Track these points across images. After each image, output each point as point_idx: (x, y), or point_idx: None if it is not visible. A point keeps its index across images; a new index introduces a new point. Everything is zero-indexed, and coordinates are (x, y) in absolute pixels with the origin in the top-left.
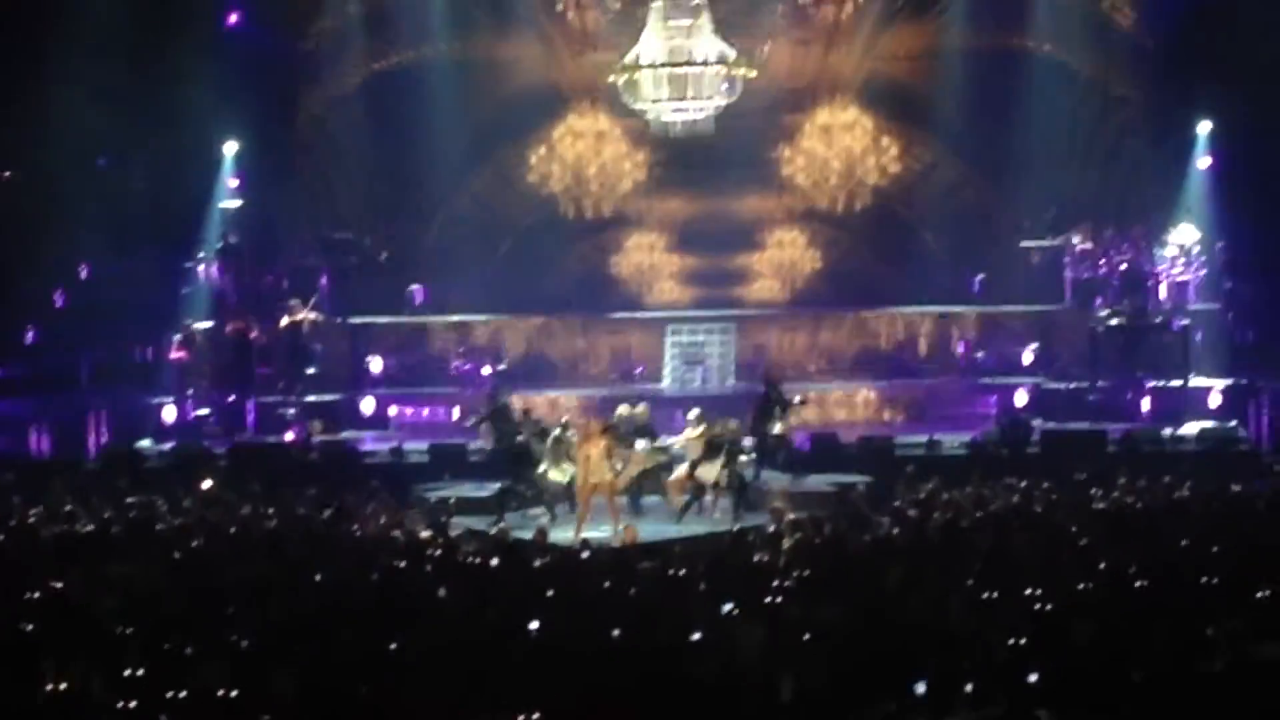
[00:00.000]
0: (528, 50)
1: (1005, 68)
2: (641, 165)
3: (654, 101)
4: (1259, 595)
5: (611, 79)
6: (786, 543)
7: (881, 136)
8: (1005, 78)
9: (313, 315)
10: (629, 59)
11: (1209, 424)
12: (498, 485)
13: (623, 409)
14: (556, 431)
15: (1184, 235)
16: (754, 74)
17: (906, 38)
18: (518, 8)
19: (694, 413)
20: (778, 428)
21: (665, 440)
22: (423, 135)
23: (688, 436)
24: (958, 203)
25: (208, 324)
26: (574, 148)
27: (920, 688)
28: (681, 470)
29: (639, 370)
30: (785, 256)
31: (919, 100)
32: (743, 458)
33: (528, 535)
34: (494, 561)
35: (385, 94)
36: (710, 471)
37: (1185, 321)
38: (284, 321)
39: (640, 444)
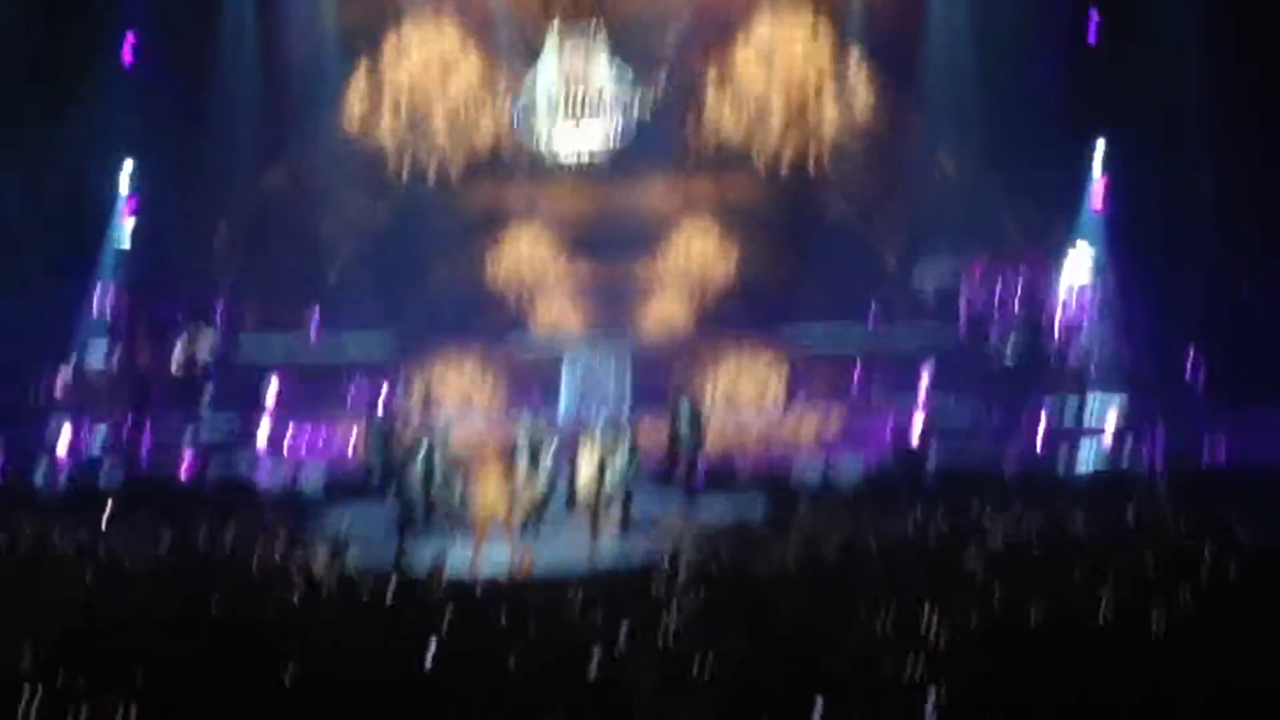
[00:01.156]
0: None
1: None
2: (559, 260)
3: (551, 122)
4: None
5: (507, 103)
6: (682, 573)
7: (725, 244)
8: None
9: (206, 343)
10: (526, 81)
11: (1103, 452)
12: (393, 512)
13: (519, 427)
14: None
15: (1079, 262)
16: (652, 93)
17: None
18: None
19: (596, 428)
20: (689, 447)
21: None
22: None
23: (587, 453)
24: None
25: (101, 353)
26: (516, 251)
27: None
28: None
29: (533, 400)
30: (672, 304)
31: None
32: (630, 481)
33: (424, 560)
34: (389, 595)
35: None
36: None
37: (1080, 349)
38: (179, 349)
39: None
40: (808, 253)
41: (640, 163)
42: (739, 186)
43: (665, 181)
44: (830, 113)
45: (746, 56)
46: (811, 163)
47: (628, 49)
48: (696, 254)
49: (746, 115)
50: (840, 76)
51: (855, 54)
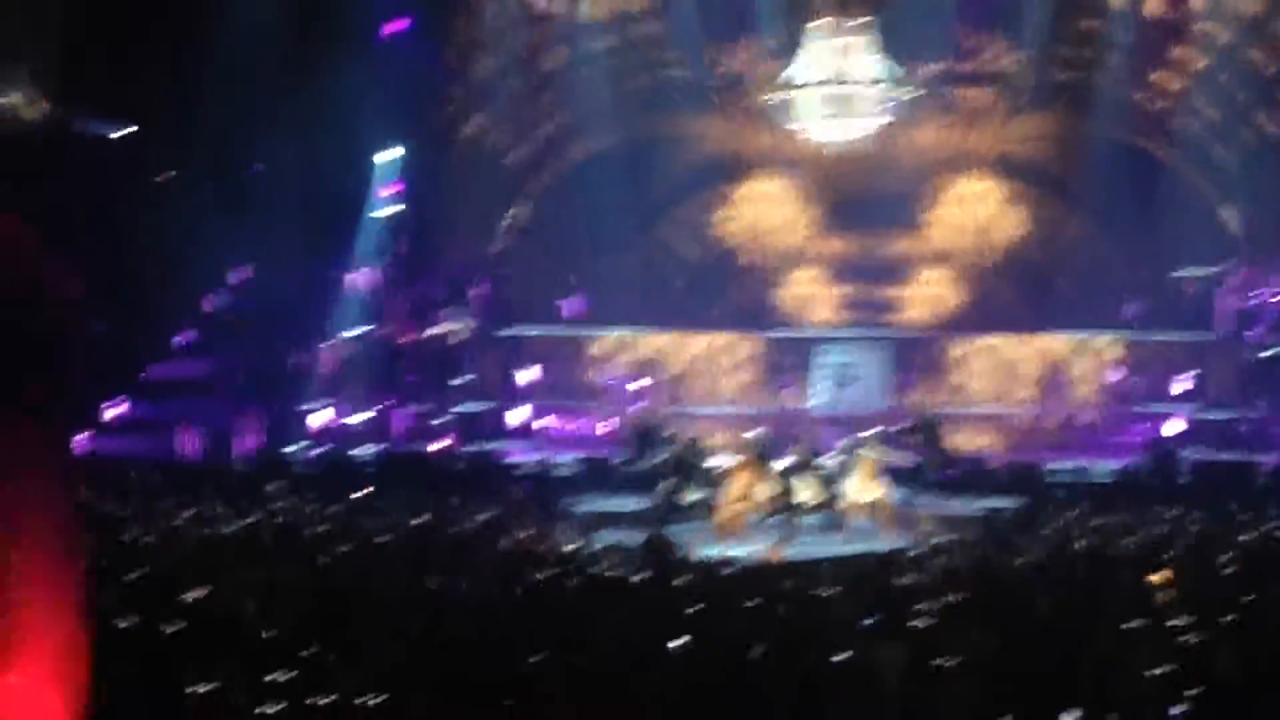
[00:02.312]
0: (708, 124)
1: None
2: (810, 221)
3: (811, 120)
4: None
5: (766, 98)
6: (933, 565)
7: (1012, 205)
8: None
9: (464, 325)
10: (782, 78)
11: None
12: (645, 501)
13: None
14: (691, 450)
15: None
16: (921, 91)
17: (1035, 123)
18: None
19: (844, 439)
20: (938, 452)
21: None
22: (603, 188)
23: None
24: (1094, 251)
25: (360, 332)
26: (754, 207)
27: (1068, 718)
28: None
29: (784, 388)
30: (933, 289)
31: (1047, 175)
32: (883, 479)
33: (675, 552)
34: (636, 578)
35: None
36: (856, 492)
37: None
38: (435, 331)
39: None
40: (1058, 267)
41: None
42: (1023, 133)
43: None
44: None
45: None
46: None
47: (896, 45)
48: (970, 222)
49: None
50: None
51: None
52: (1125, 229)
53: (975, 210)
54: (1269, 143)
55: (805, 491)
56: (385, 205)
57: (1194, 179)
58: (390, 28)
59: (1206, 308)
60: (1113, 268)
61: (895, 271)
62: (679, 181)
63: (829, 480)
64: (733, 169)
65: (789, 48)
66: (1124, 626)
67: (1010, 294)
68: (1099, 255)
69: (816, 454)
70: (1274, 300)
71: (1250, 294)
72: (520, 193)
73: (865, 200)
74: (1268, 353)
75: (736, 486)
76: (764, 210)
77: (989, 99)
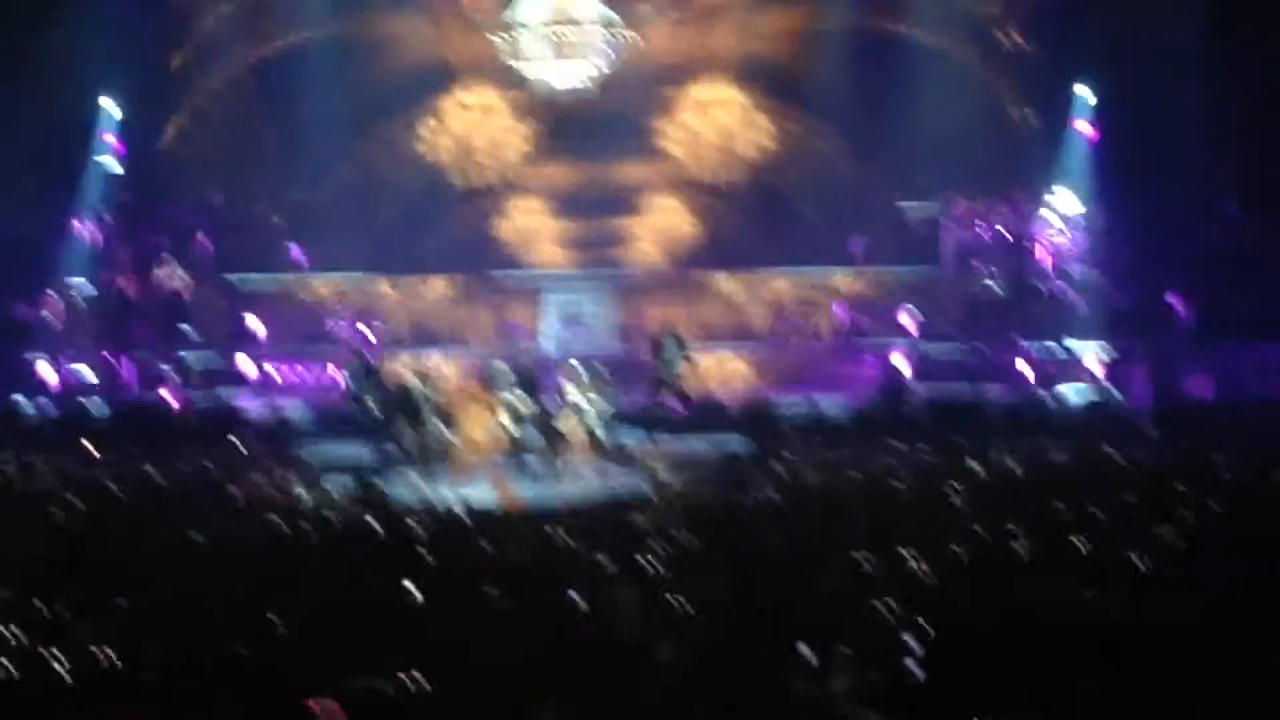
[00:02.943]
0: (414, 26)
1: (879, 48)
2: (527, 137)
3: (535, 61)
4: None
5: (492, 38)
6: (664, 505)
7: (756, 113)
8: (879, 56)
9: (188, 273)
10: (507, 16)
11: (1087, 388)
12: (372, 446)
13: (499, 364)
14: (421, 387)
15: (1063, 201)
16: (634, 35)
17: (779, 19)
18: None
19: (575, 361)
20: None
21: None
22: (309, 107)
23: (569, 390)
24: (833, 173)
25: (85, 281)
26: (462, 119)
27: (804, 650)
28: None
29: (516, 329)
30: (664, 221)
31: (792, 79)
32: (611, 415)
33: (406, 496)
34: (372, 523)
35: (272, 70)
36: (578, 430)
37: (1063, 285)
38: (160, 277)
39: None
40: (796, 192)
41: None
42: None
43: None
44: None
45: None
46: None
47: None
48: (673, 217)
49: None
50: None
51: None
52: (864, 141)
53: (712, 126)
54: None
55: (534, 431)
56: (107, 153)
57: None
58: None
59: (933, 241)
60: (846, 197)
61: (624, 202)
62: (383, 91)
63: (556, 419)
64: (441, 78)
65: None
66: (855, 559)
67: (744, 226)
68: (835, 180)
69: (543, 393)
70: (995, 233)
71: (974, 226)
72: (214, 109)
73: (590, 119)
74: (991, 284)
75: (464, 428)
76: (476, 127)
77: None
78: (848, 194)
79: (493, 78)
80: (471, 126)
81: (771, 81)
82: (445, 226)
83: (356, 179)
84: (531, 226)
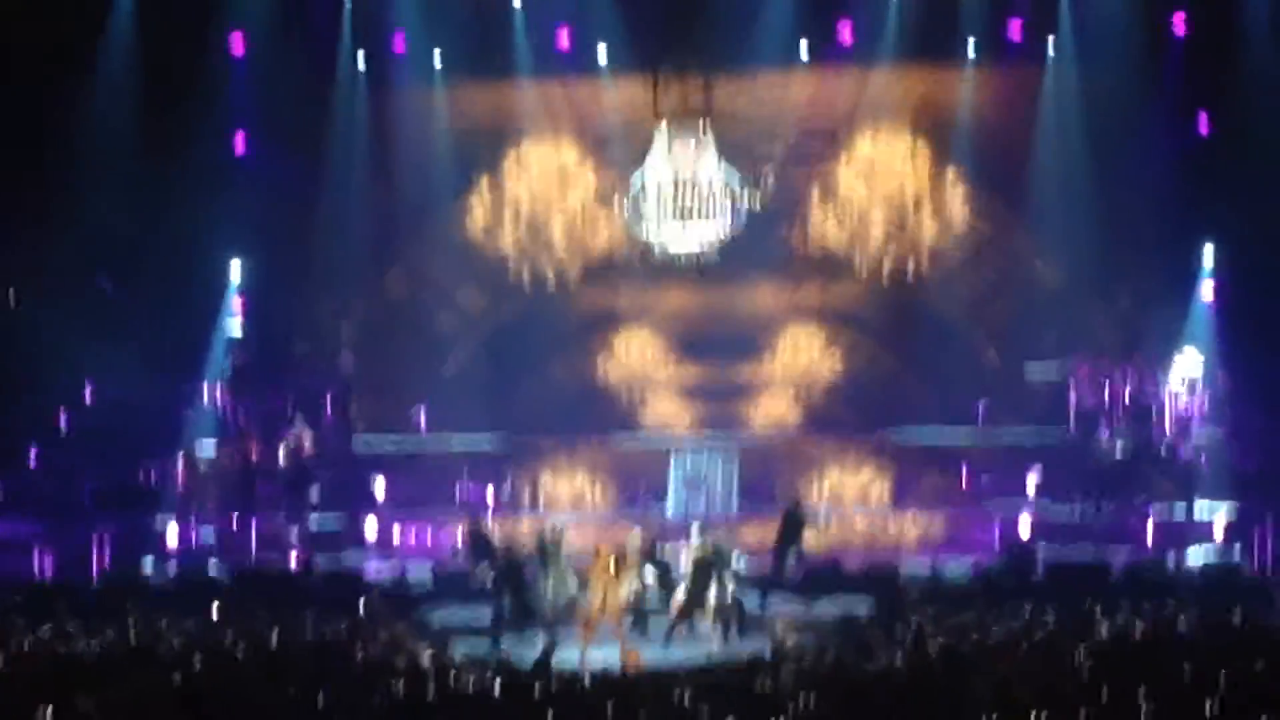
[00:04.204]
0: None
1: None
2: (669, 361)
3: (657, 224)
4: None
5: (615, 204)
6: (789, 670)
7: (832, 347)
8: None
9: (313, 437)
10: (634, 179)
11: (1213, 551)
12: (496, 608)
13: (633, 536)
14: (550, 548)
15: (1188, 363)
16: (759, 202)
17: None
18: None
19: (695, 526)
20: (797, 550)
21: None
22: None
23: (688, 554)
24: (954, 334)
25: (211, 446)
26: (628, 354)
27: None
28: (679, 592)
29: (641, 496)
30: (777, 405)
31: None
32: (734, 580)
33: (529, 659)
34: (495, 689)
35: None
36: (701, 594)
37: (1189, 449)
38: (286, 439)
39: (647, 570)
40: (914, 355)
41: (746, 265)
42: (843, 292)
43: (771, 286)
44: (929, 227)
45: (848, 170)
46: (912, 270)
47: (735, 149)
48: (803, 356)
49: (850, 224)
50: (938, 192)
51: (953, 172)
52: (985, 304)
53: (802, 353)
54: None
55: (661, 595)
56: (233, 319)
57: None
58: (238, 143)
59: (1056, 405)
60: (968, 356)
61: (740, 391)
62: (556, 332)
63: (682, 584)
64: (602, 321)
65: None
66: None
67: (851, 408)
68: (957, 340)
69: (668, 560)
70: (1120, 396)
71: (1099, 387)
72: (366, 305)
73: (713, 337)
74: (1117, 448)
75: (588, 591)
76: (632, 352)
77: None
78: (969, 355)
79: (648, 318)
80: (634, 355)
81: (849, 320)
82: (587, 414)
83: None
84: (665, 410)
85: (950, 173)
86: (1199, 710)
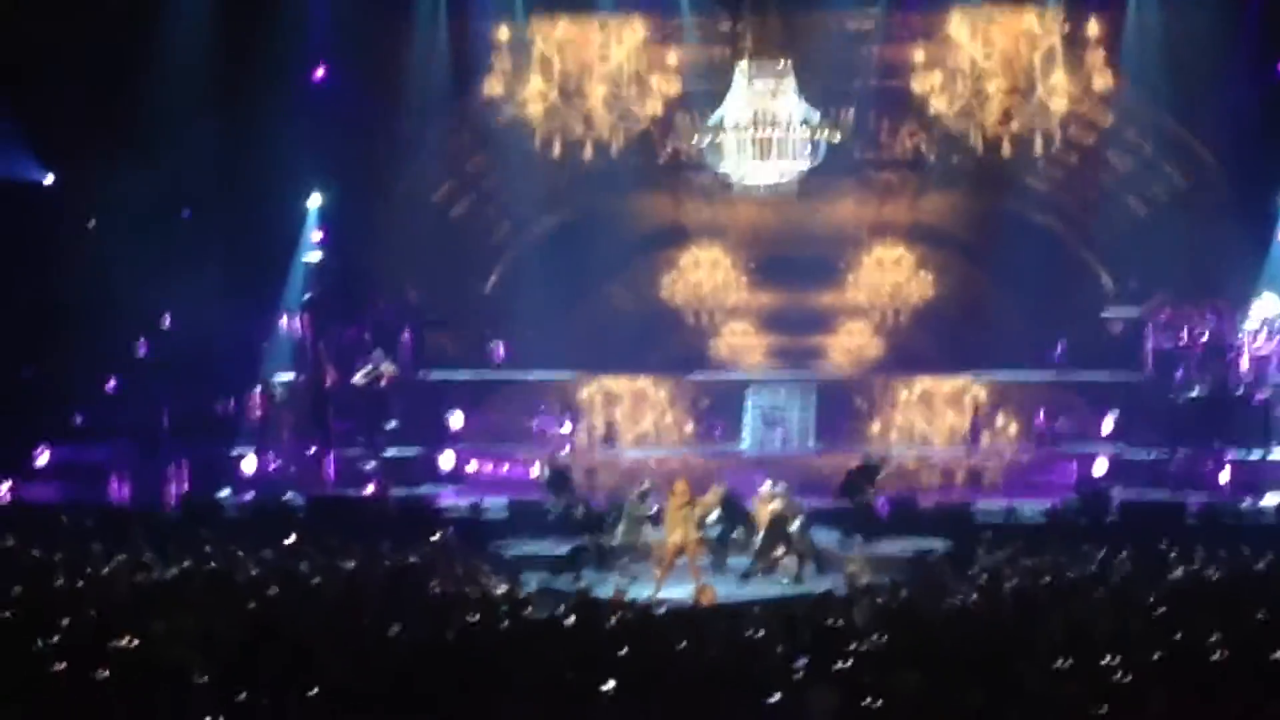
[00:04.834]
0: (656, 200)
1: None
2: (742, 285)
3: (738, 161)
4: None
5: (695, 140)
6: (862, 607)
7: (920, 269)
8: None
9: (393, 369)
10: (713, 121)
11: None
12: (573, 544)
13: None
14: (633, 498)
15: (1267, 307)
16: (838, 137)
17: (942, 199)
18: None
19: (766, 486)
20: (871, 492)
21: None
22: (544, 261)
23: (761, 506)
24: (1034, 278)
25: (289, 376)
26: (696, 273)
27: None
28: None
29: (718, 431)
30: (855, 339)
31: (955, 241)
32: (808, 524)
33: (605, 594)
34: (569, 621)
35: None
36: (776, 544)
37: (1266, 394)
38: (364, 375)
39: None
40: (1001, 287)
41: (829, 188)
42: (933, 207)
43: (855, 201)
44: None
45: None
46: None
47: (815, 88)
48: (889, 279)
49: (963, 98)
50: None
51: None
52: (1026, 290)
53: (891, 270)
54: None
55: (736, 533)
56: (312, 250)
57: (1080, 247)
58: (317, 74)
59: (1135, 346)
60: (1049, 300)
61: (819, 322)
62: (619, 249)
63: (757, 522)
64: (672, 237)
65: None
66: (1054, 666)
67: (932, 341)
68: (1037, 283)
69: (745, 496)
70: (1202, 339)
71: (1179, 333)
72: (447, 240)
73: (791, 260)
74: (1194, 392)
75: (667, 528)
76: (701, 273)
77: (898, 180)
78: (1050, 299)
79: (720, 237)
80: (702, 276)
81: (940, 241)
82: (664, 343)
83: (589, 309)
84: (741, 343)
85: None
86: (1271, 654)
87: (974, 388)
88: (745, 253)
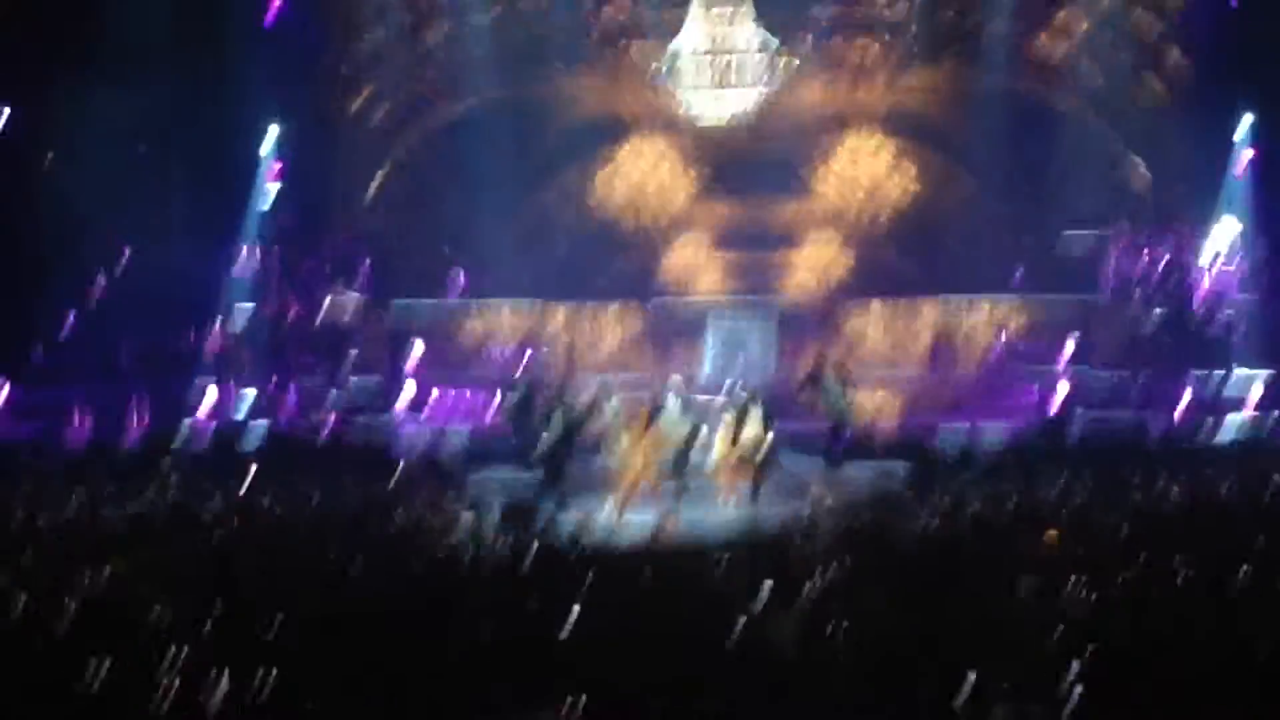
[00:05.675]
0: (589, 85)
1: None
2: (693, 181)
3: (696, 89)
4: None
5: (654, 66)
6: (825, 533)
7: (903, 160)
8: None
9: (349, 301)
10: (671, 47)
11: (1249, 420)
12: (536, 471)
13: (666, 389)
14: (584, 414)
15: (1226, 229)
16: (796, 62)
17: (925, 75)
18: (577, 48)
19: (727, 384)
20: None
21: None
22: (481, 159)
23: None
24: (991, 204)
25: (246, 310)
26: (637, 167)
27: (964, 680)
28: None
29: (672, 356)
30: (820, 255)
31: (941, 129)
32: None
33: (569, 522)
34: (531, 553)
35: (445, 122)
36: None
37: (1227, 314)
38: (326, 303)
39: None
40: (951, 224)
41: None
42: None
43: (824, 83)
44: None
45: None
46: None
47: (773, 14)
48: (863, 176)
49: None
50: None
51: None
52: (1015, 185)
53: (863, 169)
54: (1158, 102)
55: (698, 456)
56: (269, 184)
57: (1087, 132)
58: (272, 5)
59: (1095, 269)
60: (1002, 229)
61: (782, 237)
62: (556, 145)
63: (717, 446)
64: (612, 131)
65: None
66: (1015, 587)
67: (898, 258)
68: (989, 215)
69: (704, 419)
70: (1162, 262)
71: (1139, 256)
72: (395, 161)
73: (750, 162)
74: (1154, 313)
75: (626, 455)
76: (645, 174)
77: (876, 50)
78: (1007, 224)
79: (663, 128)
80: (644, 173)
81: (921, 131)
82: (611, 262)
83: (525, 219)
84: (695, 261)
85: None
86: (1235, 577)
87: (938, 309)
88: (695, 150)
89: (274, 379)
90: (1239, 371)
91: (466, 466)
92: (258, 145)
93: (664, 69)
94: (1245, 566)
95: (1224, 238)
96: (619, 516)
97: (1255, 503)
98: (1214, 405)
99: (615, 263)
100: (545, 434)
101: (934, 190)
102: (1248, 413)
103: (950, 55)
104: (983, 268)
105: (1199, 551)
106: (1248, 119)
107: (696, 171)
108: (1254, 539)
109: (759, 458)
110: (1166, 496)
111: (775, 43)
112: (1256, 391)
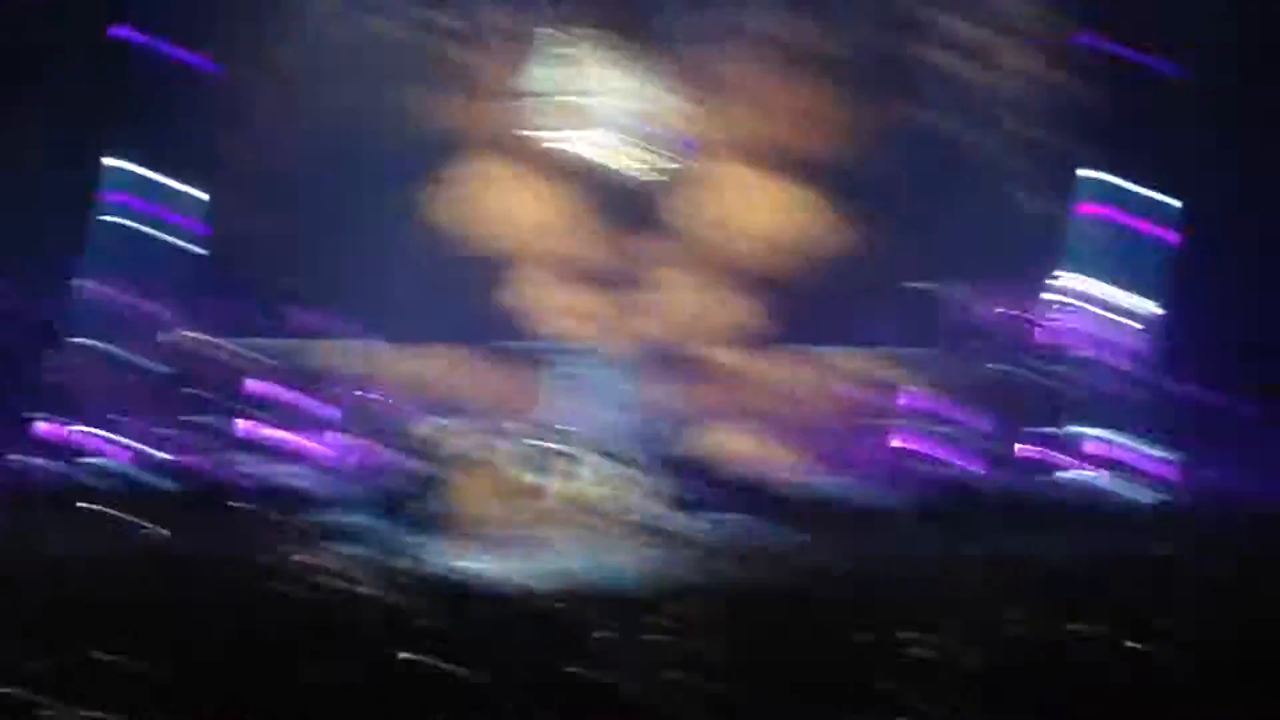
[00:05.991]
0: (429, 98)
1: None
2: (542, 209)
3: (548, 130)
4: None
5: (505, 104)
6: (673, 580)
7: (768, 195)
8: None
9: (193, 337)
10: (521, 84)
11: (1083, 477)
12: (380, 514)
13: (513, 435)
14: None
15: (1063, 283)
16: (649, 107)
17: (794, 100)
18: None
19: (583, 435)
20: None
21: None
22: (315, 168)
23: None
24: (842, 252)
25: (88, 342)
26: (476, 190)
27: None
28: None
29: (520, 400)
30: (675, 298)
31: (806, 163)
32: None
33: (415, 567)
34: (377, 594)
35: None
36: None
37: (1062, 370)
38: (165, 340)
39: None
40: (806, 272)
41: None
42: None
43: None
44: None
45: None
46: None
47: (635, 56)
48: (731, 213)
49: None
50: None
51: None
52: (894, 232)
53: (727, 207)
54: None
55: (541, 502)
56: (113, 213)
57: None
58: (113, 28)
59: (938, 321)
60: (871, 277)
61: (636, 277)
62: (396, 163)
63: (566, 491)
64: (457, 153)
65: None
66: (857, 641)
67: (754, 305)
68: (858, 263)
69: (548, 465)
70: (1003, 315)
71: (979, 309)
72: (236, 181)
73: (610, 193)
74: (992, 367)
75: (474, 499)
76: (492, 200)
77: (751, 81)
78: (855, 274)
79: (509, 149)
80: (486, 197)
81: (784, 165)
82: (455, 294)
83: (364, 246)
84: (544, 299)
85: None
86: (1066, 631)
87: (782, 361)
88: (551, 179)
89: (116, 414)
90: (1077, 429)
91: (305, 509)
92: (103, 170)
93: (513, 109)
94: (1074, 623)
95: (1060, 290)
96: (465, 560)
97: (1089, 561)
98: (1049, 459)
99: (456, 296)
100: (384, 478)
101: (799, 229)
102: (1083, 469)
103: (835, 85)
104: (830, 320)
105: (1031, 606)
106: (1092, 175)
107: (547, 200)
108: (1082, 596)
109: (601, 505)
110: (1001, 552)
111: (632, 87)
112: (1094, 448)
